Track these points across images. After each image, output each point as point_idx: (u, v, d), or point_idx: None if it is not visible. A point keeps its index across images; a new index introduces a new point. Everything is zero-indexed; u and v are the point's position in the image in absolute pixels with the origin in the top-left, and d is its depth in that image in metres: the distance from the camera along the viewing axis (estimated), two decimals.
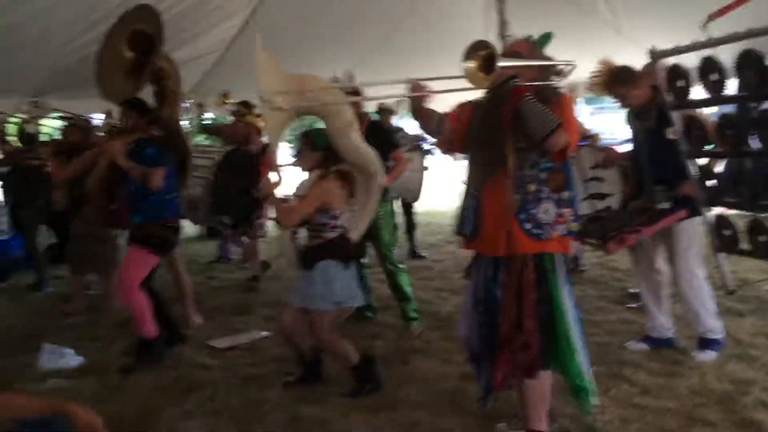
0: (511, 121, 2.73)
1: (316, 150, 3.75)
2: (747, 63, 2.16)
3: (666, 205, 3.69)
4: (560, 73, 2.92)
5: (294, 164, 4.00)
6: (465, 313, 3.12)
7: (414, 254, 7.78)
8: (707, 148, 3.14)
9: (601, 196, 4.49)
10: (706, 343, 3.99)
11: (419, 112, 3.01)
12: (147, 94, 4.80)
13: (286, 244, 4.00)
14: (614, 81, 4.02)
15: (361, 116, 4.88)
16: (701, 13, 2.68)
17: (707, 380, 3.63)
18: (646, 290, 4.27)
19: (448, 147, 3.19)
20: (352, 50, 7.43)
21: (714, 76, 2.31)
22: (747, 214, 3.38)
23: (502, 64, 2.60)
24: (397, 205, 7.09)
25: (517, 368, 2.83)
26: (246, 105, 6.95)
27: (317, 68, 6.27)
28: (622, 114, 4.38)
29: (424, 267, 7.16)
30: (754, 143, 2.25)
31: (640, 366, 3.91)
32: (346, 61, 6.60)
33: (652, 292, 4.24)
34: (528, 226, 2.80)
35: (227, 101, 7.30)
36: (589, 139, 5.84)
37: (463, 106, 3.05)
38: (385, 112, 7.54)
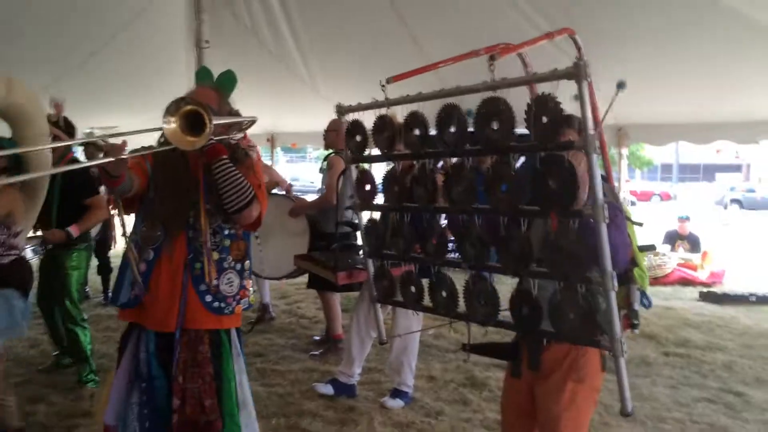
0: (203, 178, 2.52)
1: None
2: (413, 123, 2.27)
3: None
4: (242, 128, 2.79)
5: None
6: (116, 395, 2.61)
7: (105, 301, 7.04)
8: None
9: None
10: (398, 394, 4.26)
11: (118, 177, 2.35)
12: None
13: None
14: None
15: (63, 154, 4.35)
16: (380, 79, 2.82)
17: (374, 425, 3.90)
18: (355, 337, 4.38)
19: (129, 206, 2.64)
20: (50, 66, 6.64)
21: (387, 133, 2.41)
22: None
23: (216, 122, 2.32)
24: None
25: None
26: None
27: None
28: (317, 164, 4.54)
29: (107, 316, 6.47)
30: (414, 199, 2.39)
31: (318, 415, 4.03)
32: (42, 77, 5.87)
33: (360, 341, 4.37)
34: (209, 298, 2.55)
35: None
36: (277, 186, 5.92)
37: (146, 156, 2.62)
38: (89, 145, 6.78)
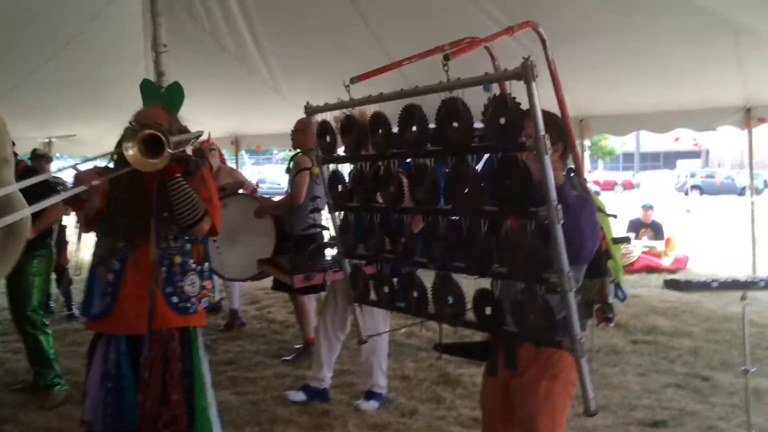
0: (157, 190, 2.69)
1: None
2: (375, 124, 2.28)
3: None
4: (191, 143, 2.96)
5: None
6: (91, 395, 2.80)
7: (68, 311, 6.83)
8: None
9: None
10: (372, 395, 4.23)
11: (87, 201, 2.58)
12: None
13: None
14: None
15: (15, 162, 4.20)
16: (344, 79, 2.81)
17: (350, 428, 3.87)
18: (323, 340, 4.33)
19: (90, 224, 2.81)
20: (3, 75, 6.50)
21: (353, 133, 2.39)
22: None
23: (174, 139, 2.53)
24: None
25: None
26: None
27: None
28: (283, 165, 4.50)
29: (72, 330, 6.30)
30: (380, 199, 2.37)
31: (292, 421, 3.99)
32: None
33: (328, 344, 4.33)
34: (175, 300, 2.74)
35: None
36: (242, 187, 5.84)
37: (103, 172, 2.76)
38: (39, 158, 6.67)
